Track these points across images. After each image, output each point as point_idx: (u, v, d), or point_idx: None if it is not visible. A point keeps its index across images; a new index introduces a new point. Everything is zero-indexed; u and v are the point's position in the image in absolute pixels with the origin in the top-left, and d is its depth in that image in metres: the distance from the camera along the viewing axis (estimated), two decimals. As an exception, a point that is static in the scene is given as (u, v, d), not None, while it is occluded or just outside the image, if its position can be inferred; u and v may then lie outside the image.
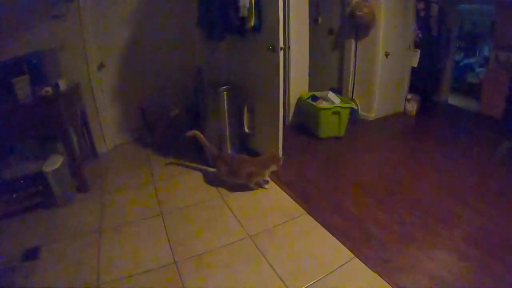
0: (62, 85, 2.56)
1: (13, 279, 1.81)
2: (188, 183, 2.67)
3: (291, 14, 3.12)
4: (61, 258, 1.96)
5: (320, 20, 3.91)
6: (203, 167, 2.86)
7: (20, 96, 2.30)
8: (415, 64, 3.95)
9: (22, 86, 2.32)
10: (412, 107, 3.92)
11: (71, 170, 2.58)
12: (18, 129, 2.37)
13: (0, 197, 2.56)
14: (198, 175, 2.76)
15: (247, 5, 2.39)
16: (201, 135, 2.65)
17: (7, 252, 2.03)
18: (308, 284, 1.63)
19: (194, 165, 2.92)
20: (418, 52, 3.93)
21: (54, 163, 2.45)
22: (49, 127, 2.45)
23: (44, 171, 2.39)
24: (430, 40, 4.19)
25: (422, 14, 4.06)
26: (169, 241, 2.01)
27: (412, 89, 4.03)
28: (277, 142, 2.62)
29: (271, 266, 1.76)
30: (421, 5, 4.01)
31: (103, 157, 3.29)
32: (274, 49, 2.40)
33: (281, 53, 2.38)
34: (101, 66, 3.14)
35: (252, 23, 2.44)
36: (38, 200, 2.51)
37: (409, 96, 3.95)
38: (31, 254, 2.00)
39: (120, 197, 2.56)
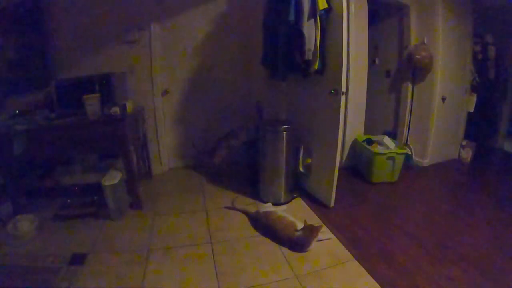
0: (129, 107, 2.71)
1: (56, 279, 1.87)
2: (239, 215, 2.69)
3: (351, 57, 3.16)
4: (106, 268, 2.01)
5: (377, 61, 3.92)
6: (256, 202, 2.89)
7: (89, 112, 2.48)
8: (472, 109, 3.80)
9: (92, 103, 2.49)
10: (467, 154, 3.74)
11: (127, 187, 2.71)
12: (84, 143, 2.52)
13: (55, 201, 2.75)
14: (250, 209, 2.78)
15: (312, 49, 2.45)
16: (237, 205, 2.75)
17: (55, 253, 2.13)
18: None
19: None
20: (475, 96, 3.78)
21: (113, 178, 2.59)
22: (113, 145, 2.59)
23: (102, 184, 2.53)
24: (487, 84, 4.04)
25: (479, 57, 3.94)
26: (216, 270, 2.03)
27: (468, 135, 3.86)
28: (331, 184, 2.62)
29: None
30: (478, 48, 3.90)
31: (158, 178, 3.43)
32: (336, 92, 2.44)
33: (342, 97, 2.42)
34: (165, 93, 3.33)
35: (316, 66, 2.49)
36: (92, 210, 2.65)
37: (464, 143, 3.78)
38: (78, 260, 2.07)
39: (171, 219, 2.63)
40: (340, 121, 2.45)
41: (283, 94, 3.16)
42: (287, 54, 2.60)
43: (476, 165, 3.68)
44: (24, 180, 2.75)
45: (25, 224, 2.34)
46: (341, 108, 2.42)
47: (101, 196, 2.58)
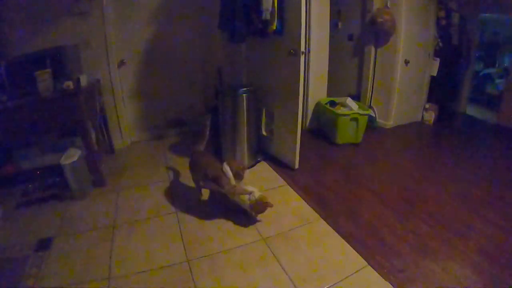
0: (83, 80, 2.60)
1: (25, 268, 1.83)
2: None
3: (312, 19, 3.12)
4: (74, 250, 1.98)
5: (340, 25, 3.89)
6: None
7: (42, 89, 2.35)
8: (435, 73, 3.88)
9: (44, 79, 2.36)
10: (430, 116, 3.86)
11: (88, 164, 2.61)
12: (39, 122, 2.40)
13: (17, 188, 2.62)
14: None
15: (270, 9, 2.38)
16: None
17: (21, 241, 2.06)
18: None
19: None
20: (438, 61, 3.86)
21: (72, 156, 2.49)
22: (69, 121, 2.49)
23: (61, 164, 2.43)
24: (450, 49, 4.12)
25: (443, 22, 3.99)
26: (182, 239, 2.01)
27: (431, 98, 3.96)
28: (295, 146, 2.62)
29: (283, 269, 1.76)
30: (442, 13, 3.95)
31: (120, 153, 3.33)
32: (295, 53, 2.40)
33: (302, 58, 2.39)
34: (121, 64, 3.19)
35: (274, 26, 2.44)
36: (54, 192, 2.55)
37: (427, 105, 3.89)
38: (44, 245, 2.02)
39: (135, 194, 2.58)
40: (301, 82, 2.43)
41: (243, 58, 3.10)
42: (244, 15, 2.52)
43: (439, 127, 3.80)
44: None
45: None
46: (301, 69, 2.39)
47: (62, 177, 2.48)
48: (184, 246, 1.96)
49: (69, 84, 2.40)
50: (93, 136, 2.72)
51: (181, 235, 2.06)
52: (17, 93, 2.40)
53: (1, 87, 2.52)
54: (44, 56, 2.54)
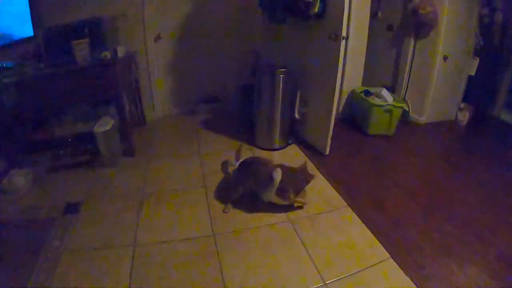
0: (120, 52, 2.64)
1: (52, 230, 1.90)
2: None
3: (353, 6, 3.02)
4: (101, 216, 2.04)
5: (380, 14, 3.77)
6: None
7: (78, 58, 2.41)
8: (473, 73, 3.72)
9: (81, 49, 2.41)
10: (464, 116, 3.71)
11: (120, 134, 2.67)
12: (74, 91, 2.46)
13: (49, 152, 2.71)
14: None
15: (313, -10, 2.33)
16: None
17: (50, 205, 2.14)
18: (341, 277, 1.62)
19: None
20: (477, 60, 3.70)
21: (105, 125, 2.55)
22: (104, 90, 2.54)
23: (94, 131, 2.49)
24: (491, 49, 3.94)
25: (485, 20, 3.82)
26: (209, 214, 2.04)
27: (466, 98, 3.81)
28: (327, 132, 2.60)
29: (307, 252, 1.76)
30: (485, 11, 3.77)
31: (152, 125, 3.39)
32: (336, 37, 2.34)
33: (342, 43, 2.33)
34: (158, 38, 3.21)
35: (316, 9, 2.39)
36: (86, 158, 2.62)
37: (462, 105, 3.74)
38: (72, 209, 2.10)
39: (165, 165, 2.62)
40: (339, 67, 2.38)
41: (280, 40, 3.06)
42: (286, -5, 2.48)
43: (472, 129, 3.67)
44: (16, 135, 2.67)
45: (20, 179, 2.30)
46: (340, 55, 2.34)
47: (94, 144, 2.56)
48: (210, 220, 1.98)
49: (107, 54, 2.47)
50: (127, 106, 2.78)
51: (209, 209, 2.09)
52: (54, 61, 2.47)
53: (39, 55, 2.61)
54: (82, 27, 2.61)
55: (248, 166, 2.14)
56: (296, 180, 2.02)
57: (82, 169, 2.55)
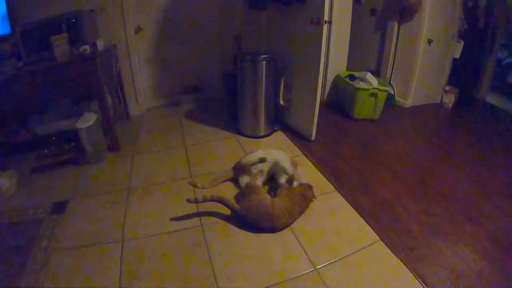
0: (100, 45, 2.58)
1: (39, 230, 1.86)
2: (219, 149, 2.68)
3: (334, -11, 3.01)
4: (88, 213, 2.01)
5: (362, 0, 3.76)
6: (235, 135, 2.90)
7: (58, 54, 2.34)
8: (457, 56, 3.74)
9: (60, 44, 2.34)
10: (450, 99, 3.74)
11: (104, 129, 2.62)
12: (55, 87, 2.41)
13: (32, 153, 2.65)
14: (229, 143, 2.78)
15: (294, -26, 2.31)
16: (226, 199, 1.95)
17: (36, 205, 2.09)
18: (332, 261, 1.62)
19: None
20: (462, 43, 3.72)
21: (88, 121, 2.49)
22: (85, 85, 2.48)
23: (77, 128, 2.43)
24: (476, 32, 3.96)
25: (470, 4, 3.84)
26: (197, 205, 2.01)
27: (451, 81, 3.83)
28: (313, 117, 2.59)
29: (296, 238, 1.76)
30: (469, -5, 3.79)
31: (136, 119, 3.34)
32: (318, 21, 2.32)
33: (324, 27, 2.31)
34: (138, 30, 3.15)
35: (297, -7, 2.37)
36: (70, 156, 2.56)
37: (447, 88, 3.77)
38: (59, 208, 2.06)
39: (150, 159, 2.59)
40: (322, 52, 2.36)
41: (262, 26, 3.05)
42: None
43: (458, 111, 3.70)
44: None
45: (5, 181, 2.23)
46: (323, 39, 2.32)
47: (78, 141, 2.49)
48: (198, 210, 1.96)
49: (86, 48, 2.40)
50: (109, 101, 2.72)
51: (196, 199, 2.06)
52: (33, 58, 2.39)
53: (17, 53, 2.50)
54: (59, 21, 2.51)
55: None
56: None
57: (67, 167, 2.51)
